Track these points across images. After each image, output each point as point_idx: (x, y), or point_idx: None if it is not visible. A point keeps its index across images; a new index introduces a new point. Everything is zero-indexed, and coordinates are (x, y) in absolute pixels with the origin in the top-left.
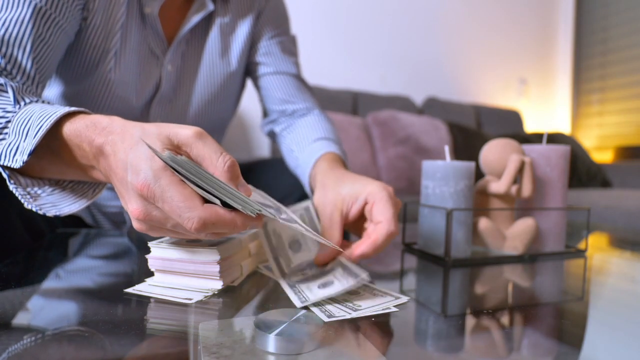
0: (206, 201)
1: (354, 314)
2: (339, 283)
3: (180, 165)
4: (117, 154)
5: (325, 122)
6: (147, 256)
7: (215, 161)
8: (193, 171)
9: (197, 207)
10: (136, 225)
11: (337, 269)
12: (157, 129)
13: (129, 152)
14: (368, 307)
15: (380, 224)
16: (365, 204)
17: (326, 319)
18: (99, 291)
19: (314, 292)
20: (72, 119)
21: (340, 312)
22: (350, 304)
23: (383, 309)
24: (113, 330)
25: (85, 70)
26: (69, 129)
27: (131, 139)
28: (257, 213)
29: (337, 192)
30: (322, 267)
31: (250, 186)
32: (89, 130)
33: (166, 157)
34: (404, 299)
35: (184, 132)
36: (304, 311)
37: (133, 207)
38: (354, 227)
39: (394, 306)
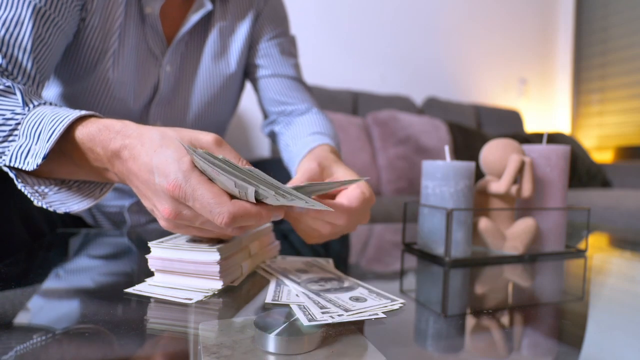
0: (232, 197)
1: (337, 319)
2: (372, 300)
3: (217, 159)
4: (139, 158)
5: (323, 119)
6: (147, 256)
7: None
8: (228, 164)
9: (227, 203)
10: (164, 224)
11: (359, 288)
12: (177, 133)
13: (153, 156)
14: (359, 310)
15: (353, 189)
16: (344, 189)
17: (306, 322)
18: (99, 291)
19: (347, 303)
20: (84, 122)
21: (324, 317)
22: (344, 304)
23: (371, 315)
24: (113, 330)
25: (83, 70)
26: (81, 132)
27: (151, 143)
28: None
29: (330, 165)
30: (340, 281)
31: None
32: (102, 134)
33: (202, 152)
34: (397, 304)
35: (205, 139)
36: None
37: (163, 207)
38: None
39: (384, 312)
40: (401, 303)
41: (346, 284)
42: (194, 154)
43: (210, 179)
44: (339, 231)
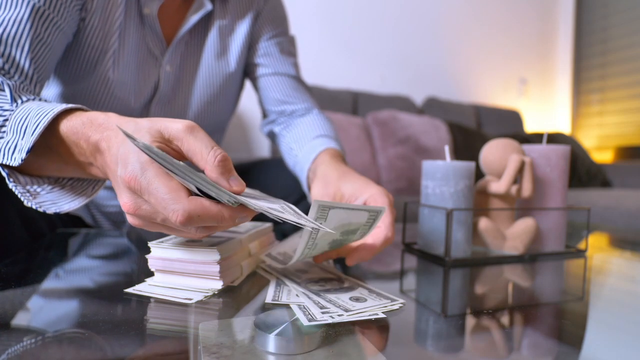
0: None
1: (337, 319)
2: (372, 300)
3: (154, 153)
4: (111, 149)
5: (325, 121)
6: (147, 256)
7: (206, 155)
8: (167, 159)
9: (182, 199)
10: (130, 220)
11: (359, 289)
12: (150, 123)
13: (120, 146)
14: (359, 310)
15: (379, 229)
16: (365, 204)
17: (306, 322)
18: (99, 291)
19: (348, 303)
20: (69, 116)
21: (324, 317)
22: (344, 305)
23: (371, 315)
24: (113, 330)
25: (83, 70)
26: (66, 126)
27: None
28: (238, 204)
29: (338, 187)
30: (340, 282)
31: (248, 189)
32: (86, 127)
33: (140, 144)
34: (397, 304)
35: (175, 126)
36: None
37: (123, 201)
38: None
39: (383, 312)
40: (401, 303)
41: (346, 284)
42: (135, 143)
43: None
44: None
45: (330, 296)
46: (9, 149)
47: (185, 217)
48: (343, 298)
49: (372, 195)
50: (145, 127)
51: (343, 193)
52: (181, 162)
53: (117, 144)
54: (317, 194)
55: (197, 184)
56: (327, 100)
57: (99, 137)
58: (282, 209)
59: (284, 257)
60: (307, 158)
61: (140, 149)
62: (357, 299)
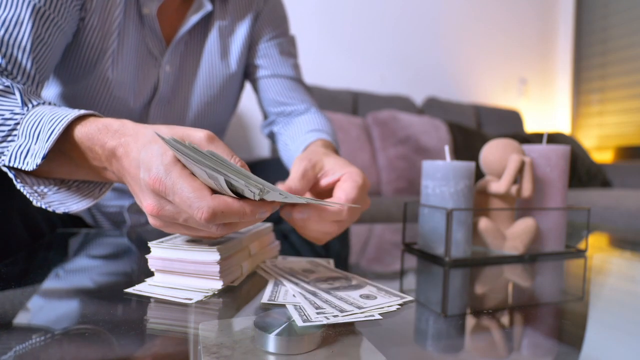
0: (214, 192)
1: (332, 320)
2: (382, 297)
3: (184, 147)
4: (130, 154)
5: (321, 118)
6: (147, 256)
7: None
8: (194, 152)
9: (206, 197)
10: (152, 221)
11: (367, 286)
12: (170, 130)
13: (142, 151)
14: (373, 306)
15: (335, 199)
16: (339, 180)
17: (300, 322)
18: (99, 291)
19: (357, 301)
20: (83, 121)
21: (318, 317)
22: (356, 302)
23: (367, 317)
24: (113, 330)
25: (83, 70)
26: (80, 132)
27: (144, 139)
28: (263, 199)
29: (320, 158)
30: (347, 280)
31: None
32: (101, 133)
33: (169, 139)
34: (408, 298)
35: (197, 135)
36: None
37: (147, 203)
38: (318, 196)
39: (380, 314)
40: (410, 299)
41: (354, 282)
42: (164, 140)
43: (193, 174)
44: (345, 226)
45: (341, 294)
46: (21, 153)
47: (210, 213)
48: (353, 296)
49: (349, 172)
50: (165, 132)
51: (323, 164)
52: (206, 152)
53: (137, 149)
54: (297, 159)
55: (225, 174)
56: (327, 100)
57: (115, 144)
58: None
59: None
60: (298, 150)
61: (169, 144)
62: (367, 297)
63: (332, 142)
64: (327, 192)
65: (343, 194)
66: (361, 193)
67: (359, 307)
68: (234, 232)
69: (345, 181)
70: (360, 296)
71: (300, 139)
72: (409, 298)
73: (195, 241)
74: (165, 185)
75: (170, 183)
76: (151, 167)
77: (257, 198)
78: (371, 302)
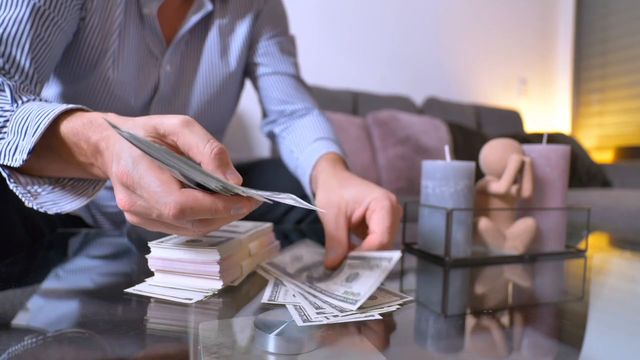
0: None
1: (332, 320)
2: (382, 297)
3: (138, 140)
4: (109, 148)
5: (325, 122)
6: (147, 256)
7: (202, 148)
8: (151, 146)
9: (174, 192)
10: (128, 217)
11: (351, 262)
12: (146, 119)
13: (117, 144)
14: (374, 305)
15: (374, 234)
16: (367, 209)
17: (300, 323)
18: (99, 291)
19: (355, 287)
20: (69, 116)
21: (318, 317)
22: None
23: (367, 317)
24: (113, 330)
25: (83, 70)
26: (66, 127)
27: None
28: (233, 193)
29: (341, 195)
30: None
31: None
32: (86, 128)
33: (124, 133)
34: (408, 298)
35: (170, 121)
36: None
37: (119, 198)
38: (357, 231)
39: (380, 314)
40: (410, 299)
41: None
42: (120, 133)
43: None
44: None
45: (322, 286)
46: (10, 149)
47: (178, 209)
48: (337, 284)
49: (374, 198)
50: (141, 124)
51: (347, 200)
52: (163, 147)
53: (114, 142)
54: (320, 204)
55: (181, 168)
56: (327, 100)
57: (98, 138)
58: (275, 195)
59: (287, 268)
60: (308, 162)
61: (126, 139)
62: (356, 276)
63: (340, 151)
64: (361, 224)
65: (377, 227)
66: (392, 215)
67: (359, 307)
68: (214, 230)
69: (374, 210)
70: (347, 279)
71: (308, 149)
72: (409, 298)
73: (195, 241)
74: (132, 179)
75: (137, 176)
76: (120, 159)
77: (221, 192)
78: (371, 301)
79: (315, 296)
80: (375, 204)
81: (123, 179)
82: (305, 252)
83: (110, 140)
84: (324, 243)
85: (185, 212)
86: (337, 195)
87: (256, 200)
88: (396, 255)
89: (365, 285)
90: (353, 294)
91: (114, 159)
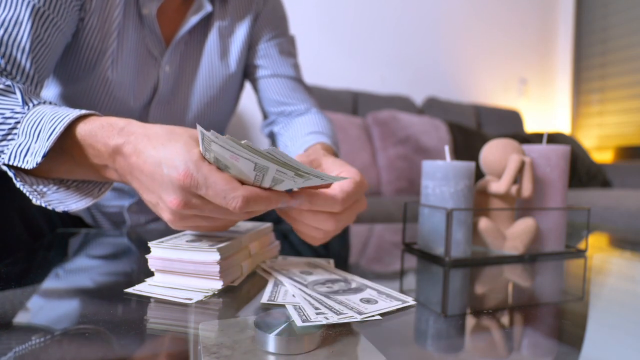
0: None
1: (332, 320)
2: (383, 302)
3: (240, 144)
4: (145, 151)
5: (322, 119)
6: (147, 256)
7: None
8: (249, 148)
9: (240, 188)
10: (169, 216)
11: (368, 289)
12: (185, 130)
13: (161, 149)
14: (374, 311)
15: (330, 190)
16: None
17: (300, 323)
18: (99, 291)
19: (357, 305)
20: (86, 120)
21: (318, 317)
22: (356, 307)
23: (367, 317)
24: (113, 330)
25: (82, 70)
26: (83, 129)
27: (157, 137)
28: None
29: (319, 158)
30: (347, 282)
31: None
32: (105, 130)
33: (224, 138)
34: (410, 301)
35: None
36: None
37: (171, 199)
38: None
39: (380, 315)
40: (412, 303)
41: (354, 285)
42: (214, 140)
43: (220, 169)
44: (341, 225)
45: (341, 298)
46: (21, 152)
47: (244, 202)
48: (354, 300)
49: (347, 170)
50: (182, 133)
51: (321, 162)
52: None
53: (154, 146)
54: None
55: (276, 165)
56: (327, 100)
57: (123, 141)
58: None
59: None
60: (296, 153)
61: (222, 142)
62: (367, 301)
63: (332, 145)
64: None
65: (338, 187)
66: (358, 189)
67: (360, 313)
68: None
69: (344, 181)
70: (361, 300)
71: (300, 141)
72: (411, 302)
73: (195, 241)
74: (197, 180)
75: (202, 178)
76: (178, 164)
77: (296, 188)
78: (372, 306)
79: (328, 297)
80: (346, 174)
81: (186, 181)
82: (307, 264)
83: (142, 144)
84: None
85: (249, 204)
86: (316, 156)
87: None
88: (409, 300)
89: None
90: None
91: (164, 163)
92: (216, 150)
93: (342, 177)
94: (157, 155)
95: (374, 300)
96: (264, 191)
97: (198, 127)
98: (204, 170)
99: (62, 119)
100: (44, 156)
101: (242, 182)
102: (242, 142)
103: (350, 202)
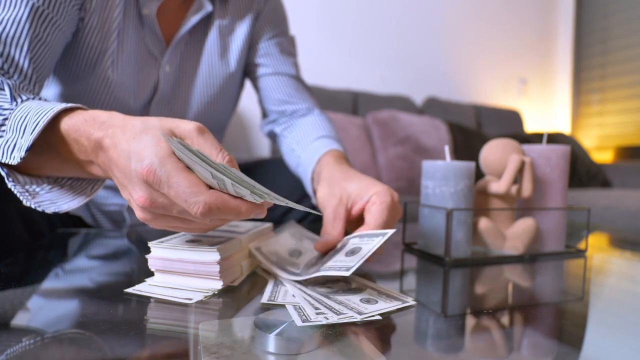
0: (210, 188)
1: (332, 320)
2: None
3: (191, 151)
4: (119, 145)
5: (326, 121)
6: (147, 256)
7: (215, 157)
8: (203, 157)
9: (203, 192)
10: (140, 214)
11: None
12: (159, 122)
13: (132, 142)
14: (374, 311)
15: (367, 226)
16: (367, 202)
17: (299, 323)
18: (99, 291)
19: (342, 261)
20: (70, 114)
21: (318, 317)
22: (357, 307)
23: (367, 317)
24: (113, 330)
25: (82, 70)
26: (67, 123)
27: (132, 129)
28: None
29: (344, 187)
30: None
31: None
32: (88, 124)
33: (176, 141)
34: (410, 302)
35: (186, 126)
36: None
37: (138, 195)
38: (356, 226)
39: (380, 315)
40: (413, 303)
41: (354, 285)
42: (169, 141)
43: (188, 167)
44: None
45: (341, 298)
46: (9, 147)
47: (207, 208)
48: (354, 300)
49: (376, 192)
50: (156, 126)
51: (349, 193)
52: (204, 154)
53: (127, 139)
54: (322, 194)
55: (232, 179)
56: (327, 100)
57: (102, 135)
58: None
59: (277, 257)
60: (310, 160)
61: (173, 145)
62: (368, 301)
63: (342, 150)
64: (361, 219)
65: (372, 220)
66: (391, 212)
67: (360, 313)
68: (224, 224)
69: (373, 203)
70: (361, 300)
71: (310, 147)
72: (411, 302)
73: (195, 241)
74: (159, 178)
75: (165, 176)
76: (144, 157)
77: (257, 201)
78: (372, 306)
79: (328, 297)
80: (376, 198)
81: (148, 177)
82: (293, 236)
83: (118, 137)
84: None
85: (212, 212)
86: (340, 188)
87: (268, 204)
88: (390, 231)
89: (359, 256)
90: (347, 264)
91: (132, 157)
92: (175, 151)
93: (303, 207)
94: (128, 149)
95: (374, 300)
96: (232, 199)
97: (158, 126)
98: (168, 168)
99: (46, 113)
100: (27, 150)
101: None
102: (194, 149)
103: (389, 226)
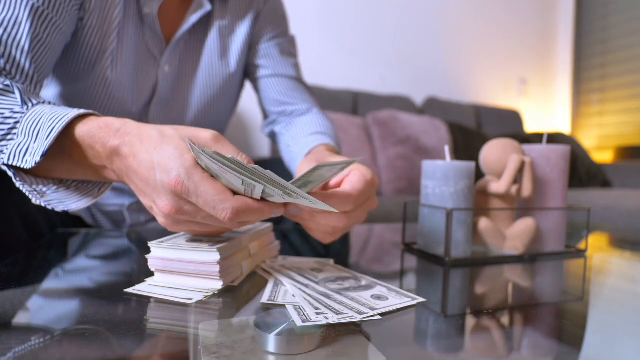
0: (235, 193)
1: (332, 320)
2: (393, 298)
3: (226, 159)
4: (139, 155)
5: (324, 120)
6: (147, 256)
7: None
8: (235, 163)
9: (229, 199)
10: (162, 220)
11: (377, 287)
12: (176, 131)
13: (154, 153)
14: (385, 307)
15: (342, 189)
16: (347, 176)
17: (299, 323)
18: (99, 291)
19: (368, 301)
20: (84, 120)
21: (318, 317)
22: (368, 303)
23: (367, 317)
24: (113, 330)
25: (82, 70)
26: (81, 130)
27: (150, 140)
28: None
29: (324, 160)
30: (357, 280)
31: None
32: (102, 131)
33: (211, 152)
34: (420, 299)
35: (203, 135)
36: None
37: (164, 204)
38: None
39: (381, 315)
40: (422, 300)
41: (364, 283)
42: (201, 153)
43: (213, 176)
44: (353, 222)
45: (352, 294)
46: (20, 151)
47: (234, 213)
48: (365, 296)
49: (357, 167)
50: (175, 135)
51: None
52: (249, 165)
53: (147, 149)
54: (302, 166)
55: (263, 184)
56: (327, 100)
57: (119, 142)
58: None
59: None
60: (301, 152)
61: (205, 157)
62: (379, 297)
63: (335, 145)
64: (331, 187)
65: (349, 185)
66: (368, 187)
67: (372, 309)
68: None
69: (353, 175)
70: (372, 297)
71: (303, 141)
72: (420, 299)
73: (195, 241)
74: (187, 188)
75: (193, 186)
76: (171, 169)
77: (284, 202)
78: (383, 302)
79: (328, 297)
80: (357, 171)
81: (178, 188)
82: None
83: (136, 146)
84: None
85: (239, 216)
86: (323, 158)
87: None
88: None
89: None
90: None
91: (157, 168)
92: (205, 161)
93: (330, 208)
94: (150, 160)
95: (384, 296)
96: (255, 202)
97: (186, 139)
98: (195, 178)
99: (61, 119)
100: (43, 155)
101: (235, 192)
102: (229, 156)
103: (362, 200)
